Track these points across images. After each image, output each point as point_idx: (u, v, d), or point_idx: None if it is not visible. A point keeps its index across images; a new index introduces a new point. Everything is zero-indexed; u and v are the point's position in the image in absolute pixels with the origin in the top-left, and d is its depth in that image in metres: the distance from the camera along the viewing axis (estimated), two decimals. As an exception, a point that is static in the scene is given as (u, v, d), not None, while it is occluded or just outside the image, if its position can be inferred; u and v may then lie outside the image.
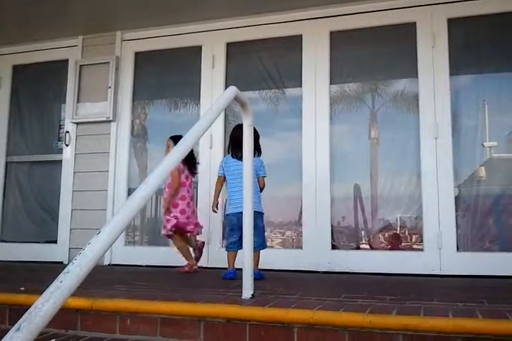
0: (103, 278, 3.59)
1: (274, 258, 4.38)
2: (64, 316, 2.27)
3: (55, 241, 5.11)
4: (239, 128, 3.44)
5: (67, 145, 5.23)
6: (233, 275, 3.48)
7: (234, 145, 3.75)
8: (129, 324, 2.29)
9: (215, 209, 3.88)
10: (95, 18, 5.07)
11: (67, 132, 5.25)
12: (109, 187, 5.00)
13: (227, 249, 3.69)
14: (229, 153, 3.85)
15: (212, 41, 4.99)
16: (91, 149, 5.12)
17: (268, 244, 4.76)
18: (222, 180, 3.83)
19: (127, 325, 2.29)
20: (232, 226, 3.63)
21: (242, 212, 2.75)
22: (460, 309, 2.21)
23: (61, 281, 1.21)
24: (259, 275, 3.37)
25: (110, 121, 5.11)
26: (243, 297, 2.44)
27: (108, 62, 5.17)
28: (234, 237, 3.58)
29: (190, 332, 2.19)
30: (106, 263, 4.85)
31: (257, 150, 3.70)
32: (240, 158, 3.41)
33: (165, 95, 5.36)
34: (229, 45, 4.97)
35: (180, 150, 1.74)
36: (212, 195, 3.94)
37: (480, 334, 1.86)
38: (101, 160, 5.07)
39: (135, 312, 2.28)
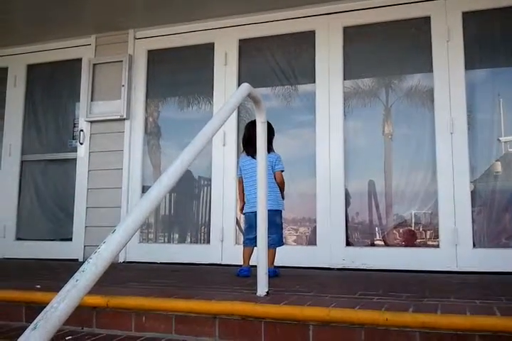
0: (118, 275, 3.61)
1: (289, 255, 4.37)
2: (80, 313, 2.29)
3: (71, 239, 5.15)
4: (251, 126, 3.48)
5: (81, 144, 5.26)
6: (247, 273, 3.47)
7: (246, 143, 3.73)
8: (144, 321, 2.30)
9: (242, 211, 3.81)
10: (108, 17, 5.09)
11: (82, 130, 5.28)
12: (124, 185, 5.03)
13: (244, 244, 3.68)
14: (243, 152, 3.82)
15: (225, 38, 4.98)
16: (105, 147, 5.15)
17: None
18: (240, 180, 3.77)
19: (142, 323, 2.30)
20: (250, 224, 3.61)
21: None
22: (477, 306, 2.19)
23: (77, 280, 1.22)
24: (274, 273, 3.38)
25: (124, 119, 5.13)
26: (258, 294, 2.44)
27: (121, 61, 5.19)
28: (252, 234, 3.52)
29: (205, 329, 2.19)
30: (121, 260, 4.87)
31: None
32: (253, 156, 3.42)
33: (178, 93, 5.37)
34: (241, 41, 4.96)
35: (192, 151, 1.74)
36: (237, 194, 3.93)
37: (498, 332, 1.84)
38: (115, 158, 5.09)
39: (150, 310, 2.29)
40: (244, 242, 3.72)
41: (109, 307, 2.32)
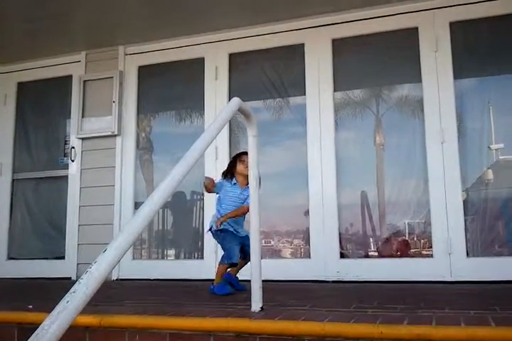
0: (111, 293, 3.58)
1: (283, 268, 4.37)
2: (72, 333, 2.23)
3: (63, 257, 5.11)
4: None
5: (72, 161, 5.25)
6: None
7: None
8: (138, 340, 2.27)
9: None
10: (98, 33, 5.12)
11: (73, 147, 5.27)
12: (116, 202, 5.01)
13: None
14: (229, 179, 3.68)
15: (215, 52, 5.01)
16: (97, 164, 5.14)
17: (276, 253, 4.76)
18: (212, 185, 3.59)
19: (137, 341, 2.27)
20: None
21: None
22: (472, 317, 2.18)
23: (68, 301, 1.20)
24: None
25: (115, 136, 5.13)
26: (252, 310, 2.42)
27: (112, 77, 5.20)
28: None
29: (200, 346, 2.17)
30: (114, 278, 4.83)
31: None
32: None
33: (169, 108, 5.38)
34: (231, 55, 4.99)
35: (183, 167, 1.74)
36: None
37: (494, 343, 1.83)
38: (107, 174, 5.08)
39: (144, 328, 2.27)
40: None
41: (102, 326, 2.30)
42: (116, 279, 4.85)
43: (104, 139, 5.16)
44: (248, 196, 3.28)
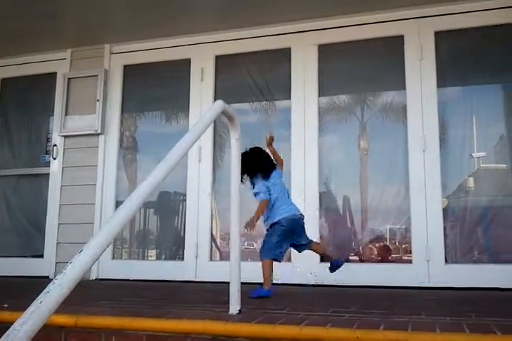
0: (89, 293, 3.55)
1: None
2: (48, 333, 2.24)
3: (42, 256, 5.06)
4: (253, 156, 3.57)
5: (54, 159, 5.20)
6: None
7: (261, 169, 3.59)
8: (115, 341, 2.26)
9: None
10: (84, 32, 5.09)
11: (55, 145, 5.22)
12: (97, 201, 4.97)
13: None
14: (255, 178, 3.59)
15: (201, 54, 5.00)
16: (79, 162, 5.10)
17: (258, 255, 4.74)
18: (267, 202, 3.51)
19: (112, 342, 2.26)
20: (292, 230, 3.48)
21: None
22: (447, 323, 2.20)
23: (41, 302, 1.19)
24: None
25: (98, 134, 5.09)
26: (230, 312, 2.42)
27: (96, 75, 5.17)
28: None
29: (176, 349, 2.16)
30: (93, 277, 4.80)
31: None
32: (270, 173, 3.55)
33: (154, 108, 5.36)
34: (218, 58, 4.99)
35: (163, 168, 1.73)
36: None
37: (467, 349, 1.85)
38: (89, 173, 5.04)
39: (120, 329, 2.25)
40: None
41: (77, 326, 2.28)
42: (96, 279, 4.81)
43: (87, 137, 5.12)
44: (255, 193, 3.48)
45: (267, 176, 3.55)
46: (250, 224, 3.35)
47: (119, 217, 1.46)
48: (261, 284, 3.36)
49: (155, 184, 1.65)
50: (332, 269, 3.57)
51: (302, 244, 3.55)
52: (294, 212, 3.49)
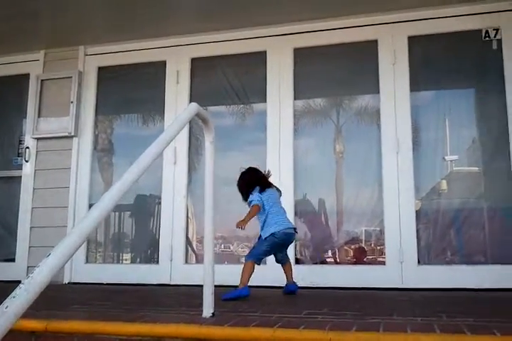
0: (61, 297, 3.50)
1: (238, 274, 4.35)
2: (17, 338, 2.19)
3: (14, 260, 4.97)
4: (253, 172, 3.80)
5: (26, 161, 5.12)
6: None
7: (261, 182, 3.75)
8: (86, 345, 2.23)
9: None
10: (58, 33, 5.03)
11: (28, 148, 5.14)
12: (70, 204, 4.91)
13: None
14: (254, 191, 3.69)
15: (177, 56, 4.99)
16: (52, 165, 5.02)
17: (235, 259, 4.76)
18: (259, 208, 3.64)
19: (84, 347, 2.23)
20: (283, 243, 3.66)
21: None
22: (418, 323, 2.23)
23: (7, 307, 1.18)
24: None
25: (72, 137, 5.04)
26: (203, 316, 2.41)
27: (70, 77, 5.11)
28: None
29: (148, 353, 2.14)
30: (66, 281, 4.74)
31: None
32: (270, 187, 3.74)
33: (129, 110, 5.33)
34: (193, 60, 4.99)
35: (135, 171, 1.72)
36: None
37: (437, 349, 1.88)
38: (62, 176, 4.97)
39: (92, 334, 2.22)
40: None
41: (48, 331, 2.24)
42: (69, 283, 4.75)
43: (61, 140, 5.06)
44: (249, 202, 3.64)
45: (262, 190, 3.68)
46: (242, 223, 3.49)
47: (89, 219, 1.44)
48: (236, 287, 3.37)
49: (127, 186, 1.63)
50: (285, 291, 3.70)
51: (281, 260, 3.73)
52: (288, 225, 3.66)
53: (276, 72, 4.72)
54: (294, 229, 3.71)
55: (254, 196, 3.65)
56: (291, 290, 3.65)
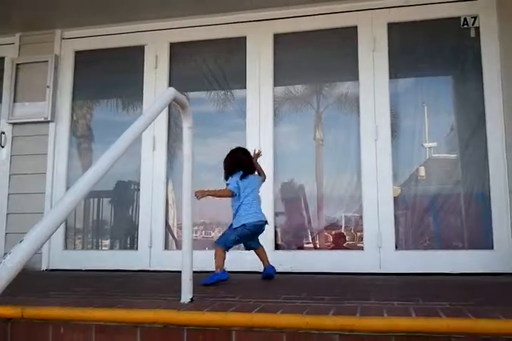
0: (38, 284, 3.48)
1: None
2: (-7, 326, 2.18)
3: (-11, 247, 4.91)
4: (240, 152, 3.75)
5: (2, 147, 5.03)
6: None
7: (243, 167, 3.69)
8: (63, 332, 2.21)
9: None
10: (33, 16, 4.92)
11: (3, 133, 5.05)
12: (48, 190, 4.85)
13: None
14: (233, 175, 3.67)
15: (156, 41, 4.92)
16: (28, 150, 4.95)
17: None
18: (230, 193, 3.62)
19: (61, 333, 2.21)
20: (254, 233, 3.66)
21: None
22: (395, 308, 2.26)
23: (-22, 293, 1.16)
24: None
25: (48, 122, 4.96)
26: (182, 301, 2.41)
27: (47, 61, 5.01)
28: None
29: (126, 339, 2.13)
30: (44, 268, 4.70)
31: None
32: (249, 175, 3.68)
33: (108, 95, 5.26)
34: (172, 45, 4.92)
35: (110, 157, 1.70)
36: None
37: (413, 333, 1.90)
38: (38, 161, 4.90)
39: (69, 320, 2.21)
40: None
41: (24, 318, 2.22)
42: (46, 269, 4.72)
43: (37, 125, 4.97)
44: (226, 183, 3.64)
45: (244, 175, 3.65)
46: (200, 192, 3.44)
47: (63, 205, 1.42)
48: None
49: (102, 172, 1.61)
50: (264, 276, 3.72)
51: (252, 247, 3.75)
52: (260, 218, 3.65)
53: (256, 58, 4.69)
54: (265, 221, 3.70)
55: (233, 181, 3.63)
56: (269, 273, 3.68)
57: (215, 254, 3.49)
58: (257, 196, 3.73)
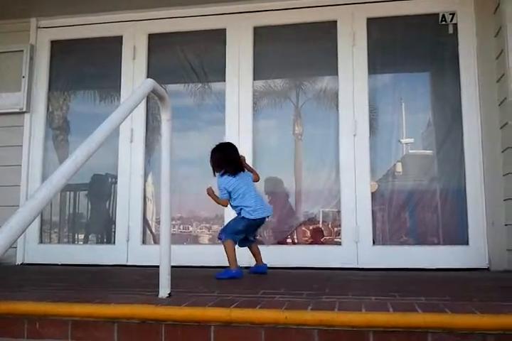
0: (13, 278, 3.42)
1: (196, 254, 4.34)
2: (-35, 322, 2.12)
3: (-38, 240, 4.79)
4: (228, 148, 3.67)
5: (-25, 138, 4.91)
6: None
7: (228, 164, 3.62)
8: (38, 328, 2.17)
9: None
10: (8, 4, 4.77)
11: (-24, 124, 4.93)
12: (22, 183, 4.76)
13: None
14: (221, 173, 3.63)
15: (134, 32, 4.86)
16: (2, 142, 4.82)
17: (194, 239, 4.74)
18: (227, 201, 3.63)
19: (36, 329, 2.17)
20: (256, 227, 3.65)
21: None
22: (373, 303, 2.27)
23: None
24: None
25: (24, 113, 4.87)
26: (160, 296, 2.38)
27: (22, 51, 4.91)
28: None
29: (103, 334, 2.10)
30: (18, 262, 4.62)
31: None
32: (236, 173, 3.59)
33: (86, 86, 5.17)
34: (151, 36, 4.87)
35: (85, 150, 1.66)
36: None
37: (390, 328, 1.91)
38: (13, 153, 4.80)
39: (44, 315, 2.16)
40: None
41: (-3, 313, 2.18)
42: (22, 264, 4.64)
43: (11, 116, 4.87)
44: (220, 192, 3.60)
45: (233, 174, 3.60)
46: (210, 192, 3.59)
47: (37, 199, 1.39)
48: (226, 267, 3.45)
49: (77, 165, 1.57)
50: (254, 271, 3.71)
51: (250, 240, 3.71)
52: (270, 212, 3.67)
53: (235, 51, 4.65)
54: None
55: (222, 189, 3.58)
56: (260, 272, 3.67)
57: (225, 249, 3.47)
58: (252, 188, 3.66)
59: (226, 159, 3.62)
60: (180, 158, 4.61)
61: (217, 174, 3.64)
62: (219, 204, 3.67)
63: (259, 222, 3.60)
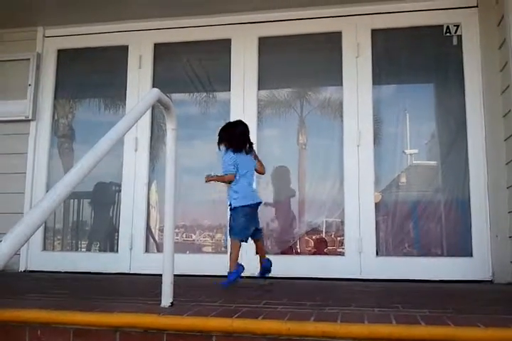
0: (16, 285, 3.41)
1: (198, 263, 4.34)
2: (-32, 328, 2.13)
3: (-34, 247, 4.80)
4: (241, 125, 3.64)
5: (-19, 146, 4.94)
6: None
7: (239, 140, 3.60)
8: (40, 335, 2.17)
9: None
10: (16, 13, 4.83)
11: (-18, 131, 4.96)
12: (27, 190, 4.78)
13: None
14: (229, 149, 3.58)
15: (140, 41, 4.89)
16: (8, 149, 4.86)
17: (197, 248, 4.73)
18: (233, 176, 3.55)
19: (38, 337, 2.17)
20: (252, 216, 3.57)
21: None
22: (376, 314, 2.26)
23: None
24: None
25: (29, 121, 4.89)
26: (162, 305, 2.38)
27: (28, 59, 4.95)
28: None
29: (105, 343, 2.10)
30: (22, 269, 4.62)
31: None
32: (247, 152, 3.58)
33: (91, 95, 5.19)
34: (157, 45, 4.90)
35: (91, 159, 1.67)
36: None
37: (393, 340, 1.90)
38: (18, 161, 4.82)
39: (47, 323, 2.16)
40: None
41: (0, 320, 2.17)
42: (25, 271, 4.64)
43: (17, 124, 4.90)
44: (223, 166, 3.54)
45: (240, 150, 3.57)
46: (210, 178, 3.54)
47: (42, 207, 1.39)
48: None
49: (83, 174, 1.58)
50: (262, 273, 3.68)
51: (259, 228, 3.63)
52: (259, 199, 3.63)
53: (240, 61, 4.68)
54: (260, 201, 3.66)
55: (230, 163, 3.51)
56: (265, 267, 3.63)
57: (231, 249, 3.47)
58: (252, 173, 3.65)
59: (240, 135, 3.60)
60: (185, 166, 4.63)
61: (222, 148, 3.59)
62: (224, 182, 3.59)
63: (254, 207, 3.56)
